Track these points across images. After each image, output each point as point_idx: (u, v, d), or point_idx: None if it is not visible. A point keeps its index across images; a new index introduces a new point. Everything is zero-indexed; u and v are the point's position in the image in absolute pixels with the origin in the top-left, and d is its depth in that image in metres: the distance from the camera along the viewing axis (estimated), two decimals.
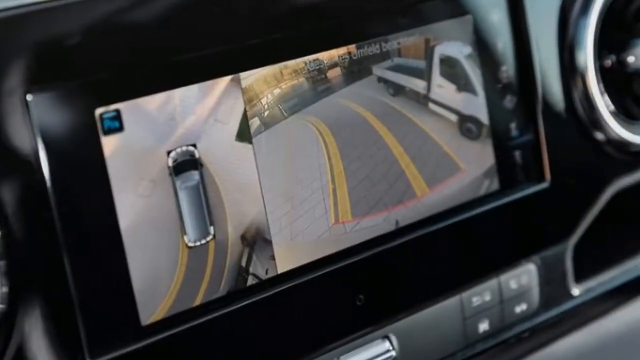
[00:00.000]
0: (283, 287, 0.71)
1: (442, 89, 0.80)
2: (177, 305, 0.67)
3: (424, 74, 0.79)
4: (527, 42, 0.85)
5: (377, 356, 0.77)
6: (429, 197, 0.79)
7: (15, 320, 0.62)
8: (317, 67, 0.73)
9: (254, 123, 0.70)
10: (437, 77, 0.80)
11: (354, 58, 0.75)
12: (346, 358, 0.75)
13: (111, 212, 0.64)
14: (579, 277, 0.91)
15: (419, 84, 0.79)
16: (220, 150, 0.69)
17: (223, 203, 0.69)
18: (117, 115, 0.64)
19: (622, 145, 0.90)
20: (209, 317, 0.68)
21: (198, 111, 0.68)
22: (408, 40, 0.78)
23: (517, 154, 0.85)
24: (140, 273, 0.65)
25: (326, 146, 0.74)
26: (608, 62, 0.90)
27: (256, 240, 0.70)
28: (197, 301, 0.68)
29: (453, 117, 0.81)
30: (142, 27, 0.66)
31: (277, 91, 0.71)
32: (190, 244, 0.67)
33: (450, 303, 0.81)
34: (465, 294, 0.82)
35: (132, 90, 0.65)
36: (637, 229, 0.98)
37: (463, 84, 0.81)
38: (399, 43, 0.77)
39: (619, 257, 0.95)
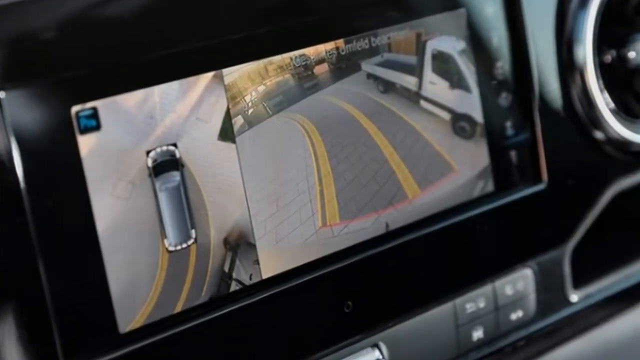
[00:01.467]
0: (268, 293, 0.72)
1: (434, 86, 0.81)
2: (156, 312, 0.67)
3: (416, 70, 0.80)
4: (524, 37, 0.85)
5: None
6: (421, 199, 0.80)
7: None
8: (304, 63, 0.74)
9: (238, 121, 0.71)
10: (429, 74, 0.80)
11: (342, 53, 0.76)
12: None
13: (88, 215, 0.64)
14: (578, 283, 0.92)
15: (410, 81, 0.79)
16: (202, 150, 0.69)
17: (205, 205, 0.69)
18: (94, 114, 0.65)
19: (623, 145, 0.91)
20: (190, 324, 0.68)
21: (179, 109, 0.68)
22: (399, 34, 0.79)
23: (513, 153, 0.85)
24: (118, 278, 0.66)
25: (313, 146, 0.75)
26: (608, 58, 0.91)
27: (240, 244, 0.71)
28: (178, 308, 0.68)
29: (446, 115, 0.81)
30: (120, 21, 0.66)
31: (261, 88, 0.72)
32: (171, 248, 0.68)
33: (442, 310, 0.82)
34: (458, 301, 0.82)
35: (109, 87, 0.65)
36: (638, 233, 0.99)
37: (456, 81, 0.82)
38: (389, 38, 0.78)
39: (619, 262, 0.96)
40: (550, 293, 0.89)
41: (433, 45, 0.80)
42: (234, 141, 0.71)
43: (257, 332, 0.72)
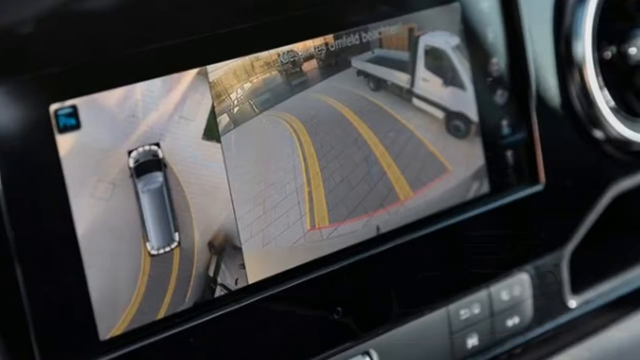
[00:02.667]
0: (254, 299, 0.72)
1: (427, 83, 0.81)
2: (138, 318, 0.68)
3: (408, 67, 0.80)
4: (520, 32, 0.86)
5: None
6: (413, 201, 0.81)
7: None
8: (291, 59, 0.75)
9: (223, 120, 0.71)
10: (421, 70, 0.81)
11: (332, 49, 0.77)
12: None
13: (67, 217, 0.65)
14: (576, 288, 0.92)
15: (402, 78, 0.80)
16: (186, 150, 0.70)
17: (189, 207, 0.70)
18: (74, 112, 0.65)
19: (623, 144, 0.92)
20: (174, 331, 0.69)
21: (161, 107, 0.69)
22: (390, 29, 0.79)
23: (509, 153, 0.86)
24: (98, 283, 0.66)
25: (301, 145, 0.75)
26: (608, 54, 0.91)
27: (225, 247, 0.72)
28: (161, 314, 0.69)
29: (439, 114, 0.82)
30: (100, 15, 0.67)
31: (247, 85, 0.72)
32: (153, 252, 0.69)
33: (436, 316, 0.82)
34: (452, 307, 0.83)
35: (89, 84, 0.66)
36: (638, 236, 0.99)
37: (450, 78, 0.82)
38: (380, 33, 0.79)
39: (619, 267, 0.96)
40: (547, 298, 0.89)
41: (426, 40, 0.81)
42: (219, 140, 0.71)
43: (243, 339, 0.72)
